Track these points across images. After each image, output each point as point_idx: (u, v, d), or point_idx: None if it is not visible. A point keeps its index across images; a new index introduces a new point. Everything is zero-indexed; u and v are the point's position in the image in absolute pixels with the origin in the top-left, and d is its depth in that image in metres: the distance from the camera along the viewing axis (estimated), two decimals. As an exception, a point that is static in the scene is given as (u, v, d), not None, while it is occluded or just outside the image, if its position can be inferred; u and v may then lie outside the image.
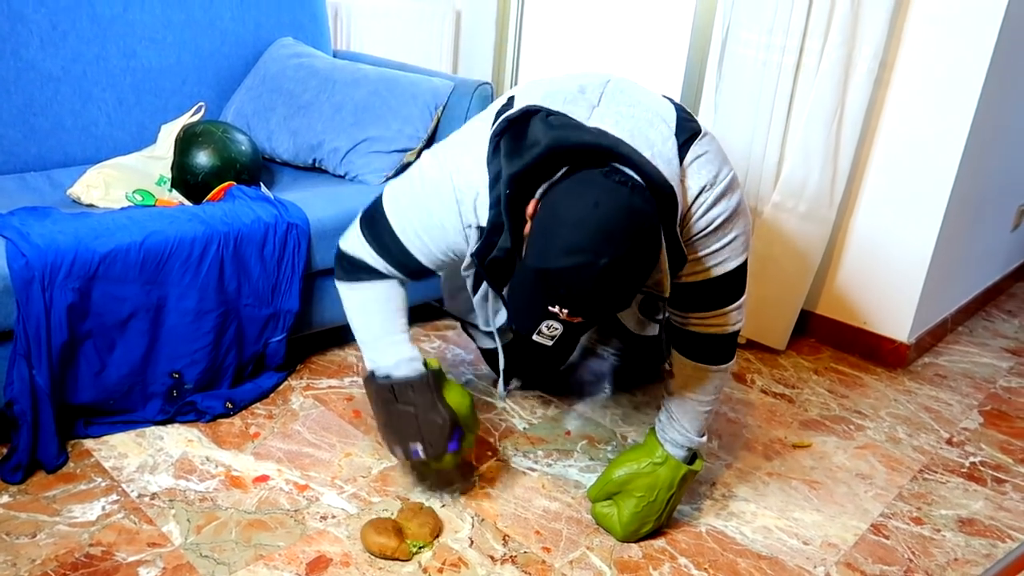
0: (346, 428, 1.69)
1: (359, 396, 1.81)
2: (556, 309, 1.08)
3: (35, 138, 1.94)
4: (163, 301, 1.58)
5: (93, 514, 1.38)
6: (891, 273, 2.14)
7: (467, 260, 1.32)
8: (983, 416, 1.98)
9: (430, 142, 2.13)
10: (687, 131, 1.21)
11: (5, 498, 1.40)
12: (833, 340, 2.29)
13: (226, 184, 1.80)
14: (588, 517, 1.47)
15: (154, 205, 1.78)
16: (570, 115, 1.17)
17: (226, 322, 1.67)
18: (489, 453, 1.65)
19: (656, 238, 1.11)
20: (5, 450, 1.49)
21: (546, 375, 1.95)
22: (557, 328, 1.13)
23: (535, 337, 1.16)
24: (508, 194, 1.17)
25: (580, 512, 1.49)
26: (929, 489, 1.66)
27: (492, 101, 1.81)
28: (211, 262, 1.61)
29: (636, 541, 1.42)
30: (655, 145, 1.15)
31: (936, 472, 1.72)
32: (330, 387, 1.85)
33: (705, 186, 1.21)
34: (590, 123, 1.16)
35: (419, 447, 1.36)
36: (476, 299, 1.54)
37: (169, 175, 1.87)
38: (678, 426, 1.39)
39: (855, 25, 1.90)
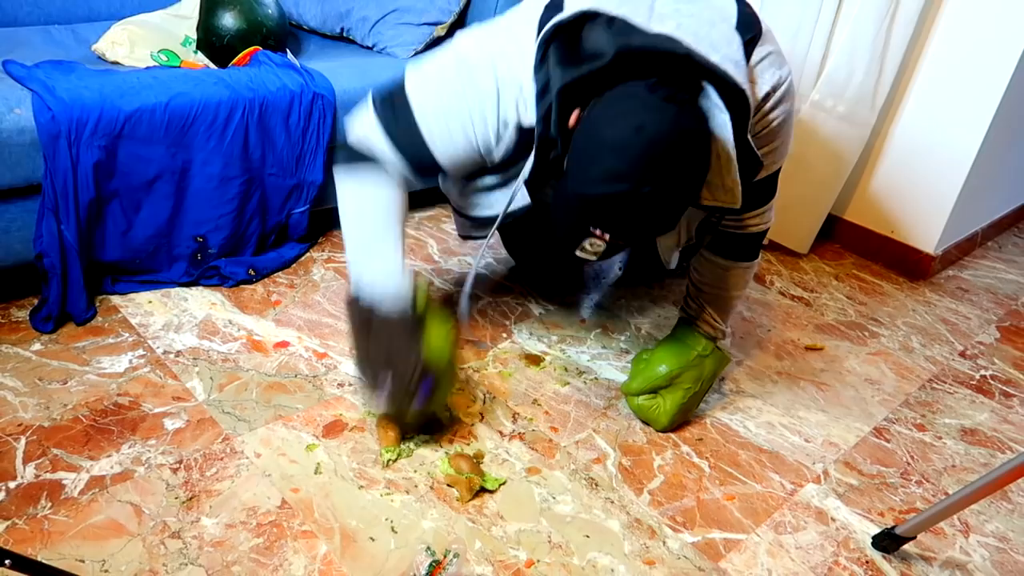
0: (365, 302, 1.72)
1: (379, 272, 1.83)
2: (597, 232, 1.07)
3: (59, -11, 1.89)
4: (188, 165, 1.58)
5: (121, 366, 1.43)
6: (926, 182, 2.08)
7: (492, 179, 1.26)
8: (1000, 331, 1.97)
9: (462, 17, 2.05)
10: (750, 30, 1.14)
11: (37, 346, 1.45)
12: (858, 247, 2.26)
13: (252, 49, 1.76)
14: (597, 401, 1.51)
15: (179, 66, 1.75)
16: (628, 19, 1.06)
17: (250, 190, 1.68)
18: (504, 335, 1.68)
19: (705, 157, 1.05)
20: (36, 301, 1.53)
21: (567, 277, 1.96)
22: (600, 245, 1.11)
23: (578, 253, 1.14)
24: (559, 106, 1.07)
25: (589, 397, 1.53)
26: (936, 398, 1.68)
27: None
28: (236, 128, 1.60)
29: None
30: (721, 48, 1.08)
31: (945, 383, 1.74)
32: (351, 261, 1.87)
33: (771, 91, 1.17)
34: (651, 27, 1.06)
35: (389, 377, 1.21)
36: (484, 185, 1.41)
37: (195, 36, 1.83)
38: (714, 320, 1.43)
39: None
